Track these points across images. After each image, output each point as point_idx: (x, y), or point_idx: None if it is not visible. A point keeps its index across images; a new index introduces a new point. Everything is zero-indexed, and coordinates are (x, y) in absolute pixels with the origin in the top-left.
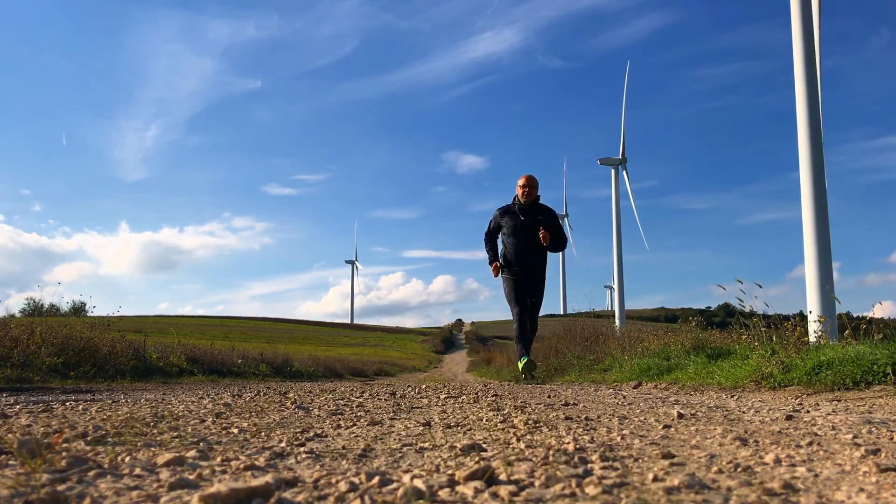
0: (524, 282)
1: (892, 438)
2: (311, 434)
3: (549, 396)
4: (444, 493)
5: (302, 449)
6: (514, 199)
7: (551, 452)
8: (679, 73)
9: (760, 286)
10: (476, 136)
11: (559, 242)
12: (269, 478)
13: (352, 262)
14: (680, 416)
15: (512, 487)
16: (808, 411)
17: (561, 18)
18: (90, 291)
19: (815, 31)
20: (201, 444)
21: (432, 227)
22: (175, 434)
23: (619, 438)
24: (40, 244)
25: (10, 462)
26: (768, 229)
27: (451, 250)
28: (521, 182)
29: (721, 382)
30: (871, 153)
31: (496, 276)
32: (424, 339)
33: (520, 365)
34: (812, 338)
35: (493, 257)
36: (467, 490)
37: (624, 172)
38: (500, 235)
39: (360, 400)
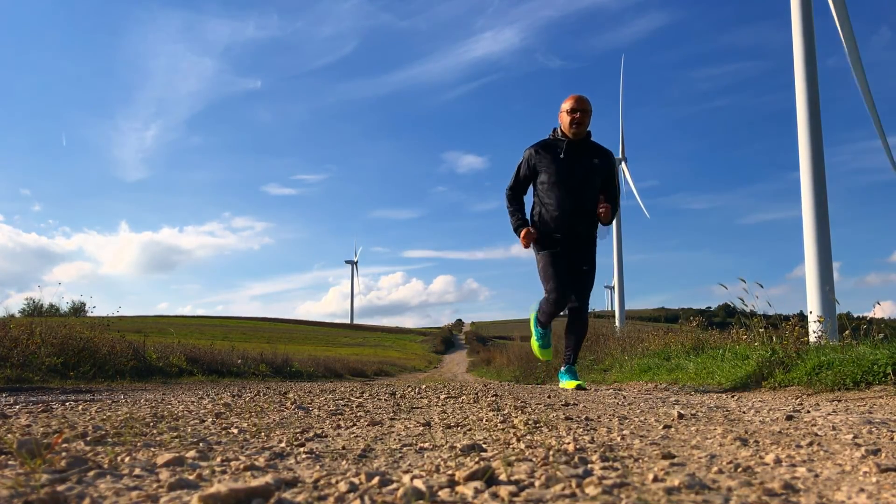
0: (569, 253)
1: (892, 438)
2: (311, 434)
3: (549, 396)
4: (444, 494)
5: (302, 449)
6: (555, 131)
7: (551, 453)
8: (679, 73)
9: (762, 286)
10: (476, 136)
11: (615, 209)
12: (268, 478)
13: (352, 263)
14: (680, 416)
15: (512, 488)
16: (809, 411)
17: (561, 18)
18: (90, 291)
19: (847, 25)
20: (201, 444)
21: (432, 227)
22: (175, 434)
23: (619, 439)
24: (40, 244)
25: (10, 462)
26: (768, 229)
27: (451, 250)
28: (568, 105)
29: (721, 383)
30: (871, 153)
31: (527, 245)
32: (424, 340)
33: (567, 384)
34: (812, 338)
35: (520, 218)
36: (467, 490)
37: (623, 166)
38: (534, 188)
39: (360, 400)
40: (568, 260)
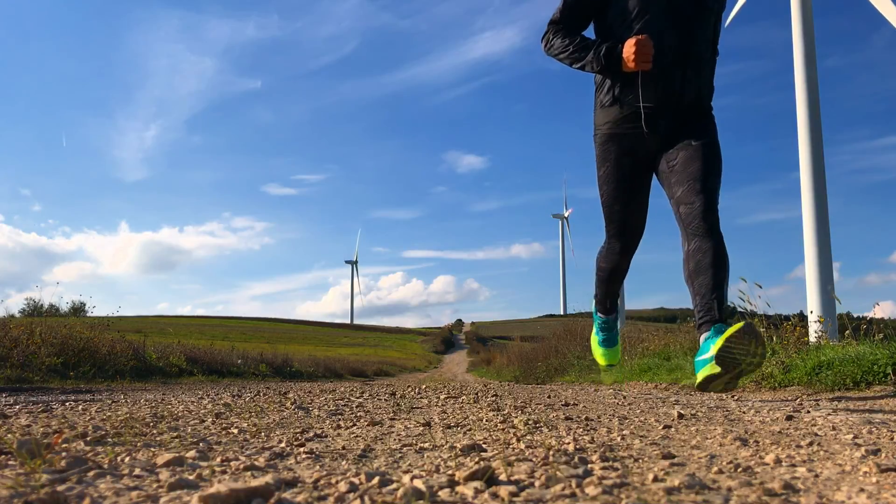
0: (664, 142)
1: (892, 438)
2: (311, 434)
3: (549, 396)
4: (444, 494)
5: (302, 449)
6: None
7: (551, 453)
8: None
9: (760, 286)
10: (476, 136)
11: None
12: (268, 478)
13: (352, 263)
14: (680, 416)
15: (512, 488)
16: (809, 411)
17: None
18: (90, 291)
19: None
20: (201, 444)
21: (432, 227)
22: (175, 434)
23: (619, 439)
24: (40, 244)
25: (10, 462)
26: (768, 229)
27: (451, 250)
28: None
29: None
30: (871, 153)
31: (645, 60)
32: (424, 340)
33: (602, 359)
34: (812, 338)
35: (590, 42)
36: (467, 490)
37: None
38: (599, 28)
39: (360, 400)
40: (659, 147)
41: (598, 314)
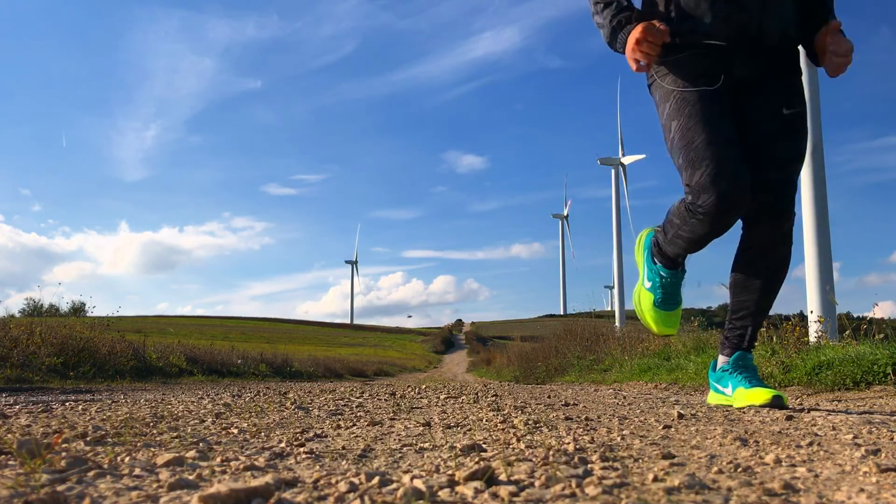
0: (744, 94)
1: (892, 438)
2: (311, 434)
3: (549, 396)
4: (443, 494)
5: (302, 449)
6: None
7: (551, 453)
8: None
9: None
10: (476, 136)
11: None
12: (268, 478)
13: (352, 263)
14: (680, 416)
15: (512, 488)
16: (809, 411)
17: (561, 18)
18: (90, 291)
19: None
20: (201, 444)
21: (432, 227)
22: (175, 434)
23: (619, 439)
24: (40, 244)
25: (10, 462)
26: None
27: (451, 250)
28: None
29: None
30: (871, 153)
31: (648, 62)
32: (424, 340)
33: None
34: (812, 338)
35: (621, 5)
36: (467, 490)
37: (621, 169)
38: None
39: (360, 400)
40: (741, 110)
41: (658, 265)
